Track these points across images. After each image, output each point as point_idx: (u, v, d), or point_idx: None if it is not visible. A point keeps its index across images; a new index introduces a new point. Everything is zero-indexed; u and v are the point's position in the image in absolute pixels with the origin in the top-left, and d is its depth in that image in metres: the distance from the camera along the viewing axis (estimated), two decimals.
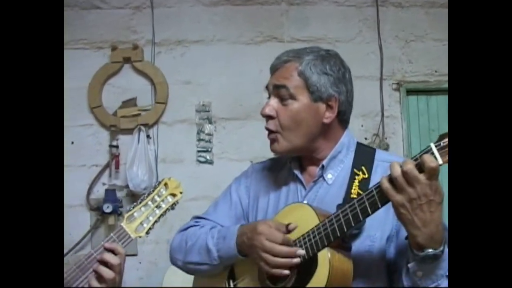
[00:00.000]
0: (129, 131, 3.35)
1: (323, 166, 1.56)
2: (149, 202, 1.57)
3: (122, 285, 1.58)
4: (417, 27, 3.49)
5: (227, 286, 1.64)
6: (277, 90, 1.53)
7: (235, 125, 3.43)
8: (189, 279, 1.79)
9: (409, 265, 1.29)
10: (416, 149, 3.39)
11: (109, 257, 1.48)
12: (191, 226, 1.74)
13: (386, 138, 3.40)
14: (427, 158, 1.19)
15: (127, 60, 3.42)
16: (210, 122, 3.41)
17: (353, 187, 1.49)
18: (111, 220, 3.26)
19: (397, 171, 1.22)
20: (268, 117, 1.55)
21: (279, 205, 1.60)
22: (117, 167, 3.35)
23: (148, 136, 3.35)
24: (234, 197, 1.73)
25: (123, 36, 3.46)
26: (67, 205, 3.24)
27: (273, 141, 1.56)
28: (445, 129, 1.20)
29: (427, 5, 3.48)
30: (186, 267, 1.71)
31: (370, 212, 1.31)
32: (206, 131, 3.40)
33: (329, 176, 1.56)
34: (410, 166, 1.20)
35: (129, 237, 1.54)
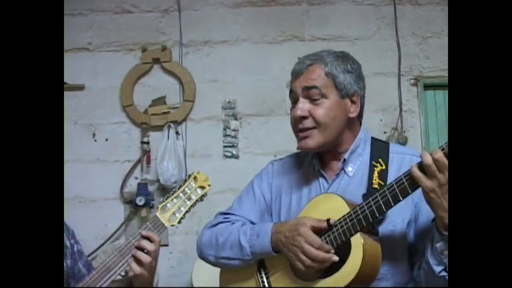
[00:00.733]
0: (159, 128, 3.42)
1: (344, 160, 1.63)
2: (180, 194, 1.67)
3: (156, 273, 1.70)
4: (433, 24, 3.48)
5: (258, 275, 1.68)
6: (307, 91, 1.59)
7: (259, 121, 3.47)
8: (217, 268, 1.82)
9: (437, 244, 1.36)
10: (433, 141, 3.40)
11: (146, 243, 1.61)
12: (221, 223, 1.77)
13: (404, 132, 3.41)
14: None
15: (156, 60, 3.49)
16: (236, 119, 3.46)
17: (374, 178, 1.56)
18: (143, 212, 3.34)
19: (429, 160, 1.30)
20: (302, 118, 1.60)
21: (302, 200, 1.67)
22: (148, 162, 3.42)
23: (177, 133, 3.40)
24: (257, 193, 1.79)
25: (152, 38, 3.52)
26: (102, 198, 3.40)
27: (305, 138, 1.61)
28: None
29: (443, 2, 3.46)
30: (218, 262, 1.74)
31: (401, 198, 1.39)
32: (232, 127, 3.45)
33: (349, 169, 1.63)
34: (440, 155, 1.28)
35: (163, 225, 1.65)
